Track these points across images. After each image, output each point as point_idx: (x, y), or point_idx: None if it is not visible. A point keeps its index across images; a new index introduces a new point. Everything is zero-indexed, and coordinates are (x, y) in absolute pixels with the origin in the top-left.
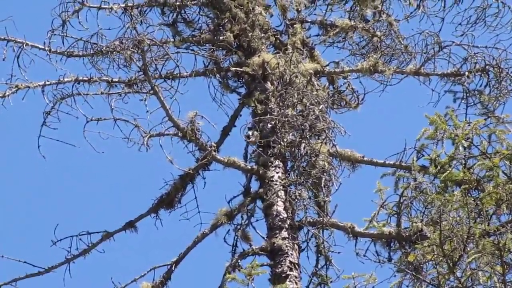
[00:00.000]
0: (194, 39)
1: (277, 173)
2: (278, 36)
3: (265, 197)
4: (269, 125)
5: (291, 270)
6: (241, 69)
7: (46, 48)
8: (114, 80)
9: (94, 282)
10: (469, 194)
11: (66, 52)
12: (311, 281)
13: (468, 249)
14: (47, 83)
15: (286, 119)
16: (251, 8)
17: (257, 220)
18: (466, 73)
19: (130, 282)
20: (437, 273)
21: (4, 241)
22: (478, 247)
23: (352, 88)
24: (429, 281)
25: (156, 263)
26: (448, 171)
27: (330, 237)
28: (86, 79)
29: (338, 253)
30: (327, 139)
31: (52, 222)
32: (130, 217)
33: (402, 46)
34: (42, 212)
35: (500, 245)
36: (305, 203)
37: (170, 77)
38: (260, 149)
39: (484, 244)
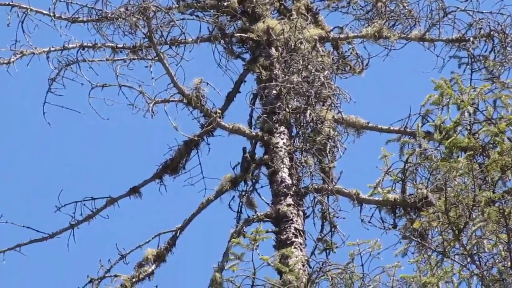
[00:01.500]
0: (199, 4)
1: (282, 139)
2: (282, 2)
3: (270, 163)
4: (274, 92)
5: (296, 237)
6: (246, 35)
7: (51, 14)
8: (119, 46)
9: (98, 248)
10: (474, 160)
11: (70, 18)
12: (316, 247)
13: (473, 216)
14: (51, 49)
15: (291, 85)
16: None
17: (262, 187)
18: (471, 38)
19: (135, 248)
20: (443, 240)
21: (8, 206)
22: (483, 215)
23: (357, 53)
24: (434, 248)
25: (161, 229)
26: (453, 137)
27: (335, 202)
28: (91, 45)
29: (343, 218)
30: (332, 105)
31: (56, 187)
32: (134, 183)
33: (407, 11)
34: (46, 178)
35: (505, 213)
36: (310, 169)
37: (175, 43)
38: (265, 115)
39: (489, 213)
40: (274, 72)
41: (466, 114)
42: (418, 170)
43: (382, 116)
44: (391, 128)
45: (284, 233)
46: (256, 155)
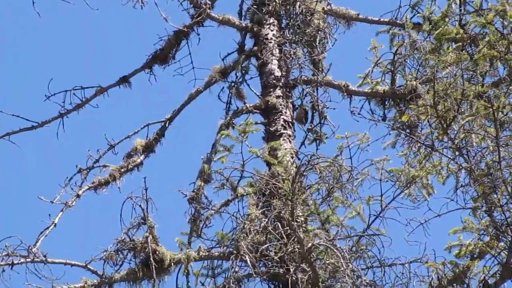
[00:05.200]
0: None
1: (272, 31)
2: None
3: (259, 55)
4: None
5: (285, 128)
6: None
7: None
8: None
9: (87, 138)
10: (463, 51)
11: None
12: (306, 137)
13: (462, 110)
14: None
15: None
16: None
17: (251, 78)
18: None
19: (124, 139)
20: (431, 133)
21: None
22: (472, 109)
23: None
24: (422, 142)
25: (150, 120)
26: (441, 28)
27: (325, 93)
28: None
29: (334, 109)
30: None
31: (46, 76)
32: (124, 73)
33: None
34: (36, 66)
35: (494, 107)
36: (299, 61)
37: None
38: (255, 6)
39: (478, 107)
40: None
41: (453, 6)
42: (407, 61)
43: (372, 8)
44: (381, 19)
45: (273, 124)
46: (245, 46)
